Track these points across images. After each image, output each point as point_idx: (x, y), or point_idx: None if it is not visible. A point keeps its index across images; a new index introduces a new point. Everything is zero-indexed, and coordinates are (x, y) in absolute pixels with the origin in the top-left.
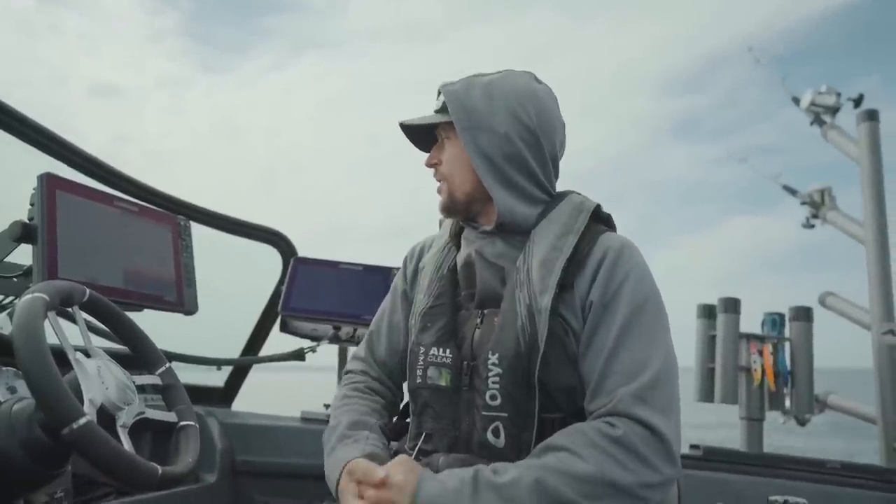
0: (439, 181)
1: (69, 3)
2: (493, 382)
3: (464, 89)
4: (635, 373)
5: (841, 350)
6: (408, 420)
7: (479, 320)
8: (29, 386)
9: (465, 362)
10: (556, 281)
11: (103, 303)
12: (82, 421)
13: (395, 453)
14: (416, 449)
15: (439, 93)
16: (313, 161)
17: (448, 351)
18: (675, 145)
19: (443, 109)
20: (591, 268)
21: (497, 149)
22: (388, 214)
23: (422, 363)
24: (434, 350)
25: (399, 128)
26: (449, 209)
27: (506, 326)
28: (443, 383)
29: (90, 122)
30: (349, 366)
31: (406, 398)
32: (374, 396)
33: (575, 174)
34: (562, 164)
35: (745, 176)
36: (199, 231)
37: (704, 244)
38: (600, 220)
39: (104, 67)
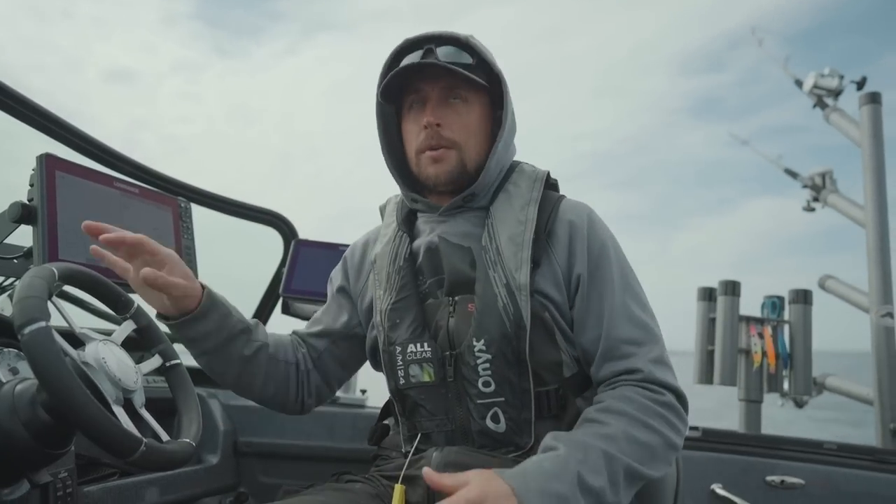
0: (438, 147)
1: None
2: (484, 369)
3: (486, 51)
4: (644, 339)
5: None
6: (386, 422)
7: (451, 308)
8: (31, 364)
9: (447, 353)
10: (528, 255)
11: (65, 269)
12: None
13: (375, 457)
14: (413, 450)
15: (438, 39)
16: (327, 145)
17: (426, 345)
18: (693, 126)
19: (474, 66)
20: (565, 238)
21: (509, 117)
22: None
23: (401, 363)
24: (411, 346)
25: (387, 70)
26: (454, 179)
27: (487, 310)
28: (426, 379)
29: (105, 107)
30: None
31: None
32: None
33: (590, 155)
34: (576, 145)
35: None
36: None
37: (722, 226)
38: (550, 186)
39: (118, 52)
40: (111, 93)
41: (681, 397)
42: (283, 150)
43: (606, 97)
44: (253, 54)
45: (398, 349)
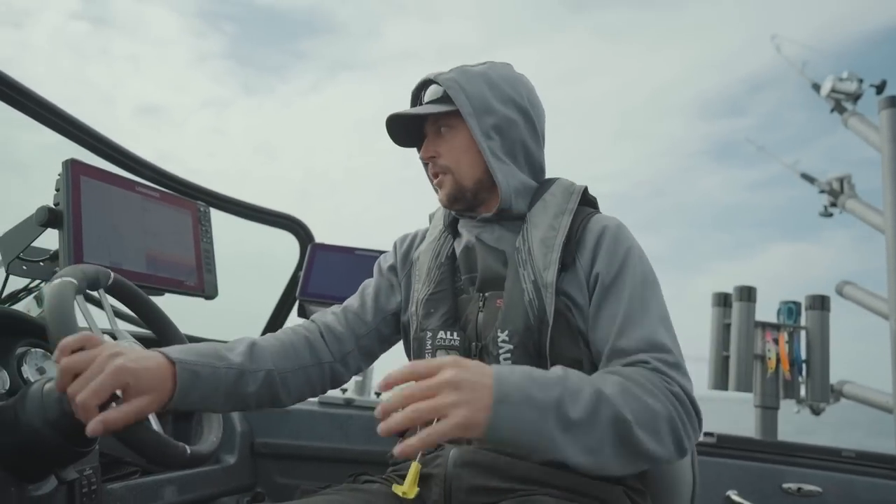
0: (437, 174)
1: (120, 27)
2: (505, 359)
3: (462, 77)
4: (658, 343)
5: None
6: None
7: (480, 303)
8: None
9: (473, 343)
10: (557, 257)
11: (127, 286)
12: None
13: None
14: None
15: (425, 84)
16: (347, 181)
17: (455, 334)
18: (712, 169)
19: (441, 100)
20: (591, 243)
21: (503, 135)
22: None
23: (430, 347)
24: (442, 334)
25: (385, 125)
26: (455, 199)
27: (513, 303)
28: None
29: (135, 141)
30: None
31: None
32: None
33: (609, 197)
34: (595, 186)
35: (786, 200)
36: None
37: (741, 271)
38: (587, 202)
39: (150, 88)
40: (141, 127)
41: (693, 400)
42: (303, 186)
43: (626, 140)
44: (278, 91)
45: (429, 334)
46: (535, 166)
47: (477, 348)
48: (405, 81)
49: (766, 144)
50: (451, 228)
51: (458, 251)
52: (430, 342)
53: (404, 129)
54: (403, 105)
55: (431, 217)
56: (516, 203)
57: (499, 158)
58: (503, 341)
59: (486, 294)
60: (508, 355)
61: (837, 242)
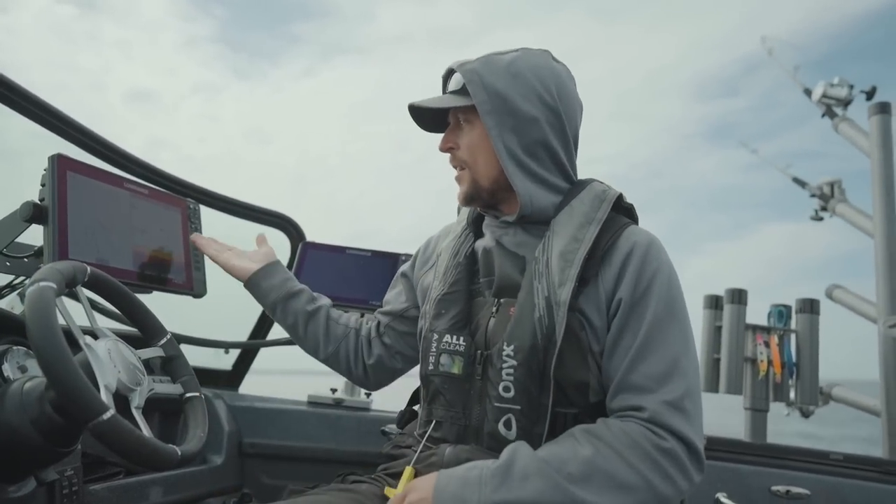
0: (457, 167)
1: (107, 11)
2: (507, 374)
3: (484, 69)
4: (667, 377)
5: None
6: (416, 407)
7: (494, 309)
8: (51, 383)
9: (479, 351)
10: (575, 273)
11: (105, 279)
12: (106, 416)
13: (393, 447)
14: (426, 436)
15: (451, 72)
16: (342, 166)
17: (461, 339)
18: (708, 150)
19: (461, 91)
20: (618, 262)
21: (522, 134)
22: (415, 219)
23: (434, 350)
24: (448, 337)
25: (407, 109)
26: (472, 198)
27: (523, 318)
28: (455, 371)
29: (126, 127)
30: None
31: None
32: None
33: (605, 178)
34: (592, 168)
35: (782, 182)
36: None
37: (736, 251)
38: (622, 210)
39: (140, 73)
40: (131, 113)
41: (690, 448)
42: (297, 172)
43: (622, 121)
44: (270, 76)
45: (435, 336)
46: (562, 167)
47: (482, 357)
48: (399, 65)
49: (761, 126)
50: (475, 226)
51: (479, 251)
52: (435, 345)
53: (430, 114)
54: (399, 89)
55: (460, 207)
56: (538, 208)
57: (517, 160)
58: (508, 356)
59: (502, 300)
60: (511, 370)
61: (834, 222)
